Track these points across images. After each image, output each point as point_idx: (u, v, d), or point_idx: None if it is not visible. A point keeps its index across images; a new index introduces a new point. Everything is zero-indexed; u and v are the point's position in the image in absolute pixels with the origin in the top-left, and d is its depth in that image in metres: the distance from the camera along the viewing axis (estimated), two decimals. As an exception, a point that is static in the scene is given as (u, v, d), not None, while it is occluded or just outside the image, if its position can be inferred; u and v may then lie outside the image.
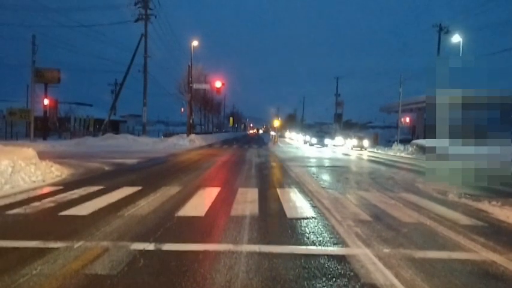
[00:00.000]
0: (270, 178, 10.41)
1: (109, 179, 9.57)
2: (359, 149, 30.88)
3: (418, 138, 37.27)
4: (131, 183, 8.61)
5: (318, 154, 22.51)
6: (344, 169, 13.56)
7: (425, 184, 9.97)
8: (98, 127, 47.45)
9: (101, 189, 7.82)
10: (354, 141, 31.84)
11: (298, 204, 6.72)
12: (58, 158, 14.35)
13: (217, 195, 7.44)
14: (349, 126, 69.56)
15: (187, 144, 30.22)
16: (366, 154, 25.34)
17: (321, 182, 9.74)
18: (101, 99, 59.94)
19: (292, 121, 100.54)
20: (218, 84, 31.34)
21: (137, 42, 30.87)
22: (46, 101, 27.94)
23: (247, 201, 6.77)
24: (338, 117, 69.28)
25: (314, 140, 34.50)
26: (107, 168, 12.07)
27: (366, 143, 31.67)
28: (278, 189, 8.25)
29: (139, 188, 8.01)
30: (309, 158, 19.03)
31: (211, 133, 54.12)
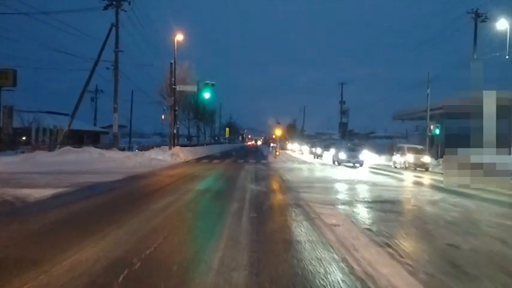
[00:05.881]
0: (282, 250, 4.39)
1: None
2: (413, 167, 21.20)
3: (438, 148, 31.38)
4: None
5: (339, 174, 16.47)
6: (415, 211, 7.57)
7: None
8: (77, 139, 41.77)
9: None
10: (409, 157, 21.65)
11: None
12: None
13: None
14: (350, 137, 63.48)
15: (168, 159, 24.16)
16: (400, 174, 19.26)
17: (413, 269, 3.71)
18: (81, 107, 53.91)
19: (292, 131, 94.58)
20: (207, 95, 25.49)
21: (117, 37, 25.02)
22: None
23: None
24: (343, 126, 63.45)
25: (343, 156, 23.41)
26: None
27: (427, 159, 21.82)
28: None
29: None
30: (331, 181, 12.99)
31: (203, 145, 48.07)
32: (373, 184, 12.58)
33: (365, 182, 13.08)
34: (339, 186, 11.83)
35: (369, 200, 8.75)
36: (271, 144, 64.30)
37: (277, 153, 32.20)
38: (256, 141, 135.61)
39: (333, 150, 27.70)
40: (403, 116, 46.22)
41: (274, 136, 65.65)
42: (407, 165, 21.62)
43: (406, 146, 24.10)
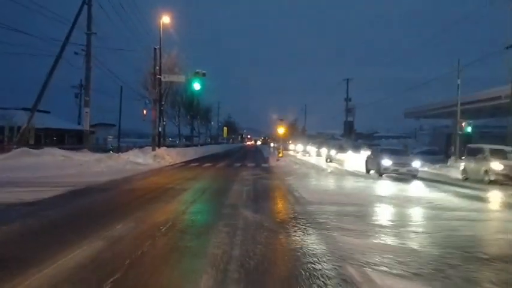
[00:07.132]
0: None
1: None
2: (502, 180, 14.11)
3: (454, 149, 27.37)
4: None
5: (381, 189, 12.19)
6: None
7: None
8: (57, 138, 38.13)
9: None
10: (496, 165, 14.29)
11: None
12: None
13: None
14: (354, 136, 59.17)
15: (149, 162, 20.05)
16: (481, 190, 14.03)
17: None
18: (66, 105, 49.91)
19: (293, 131, 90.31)
20: (197, 86, 21.37)
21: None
22: None
23: None
24: (349, 125, 59.13)
25: (387, 162, 15.59)
26: None
27: None
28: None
29: None
30: (375, 203, 8.81)
31: (196, 145, 43.87)
32: (454, 209, 7.84)
33: (438, 208, 8.02)
34: (397, 215, 7.21)
35: (486, 255, 4.41)
36: (272, 144, 59.59)
37: (280, 154, 28.06)
38: (255, 141, 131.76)
39: (351, 153, 22.96)
40: (417, 113, 42.12)
41: (278, 134, 60.01)
42: (491, 178, 14.33)
43: (487, 147, 15.95)
